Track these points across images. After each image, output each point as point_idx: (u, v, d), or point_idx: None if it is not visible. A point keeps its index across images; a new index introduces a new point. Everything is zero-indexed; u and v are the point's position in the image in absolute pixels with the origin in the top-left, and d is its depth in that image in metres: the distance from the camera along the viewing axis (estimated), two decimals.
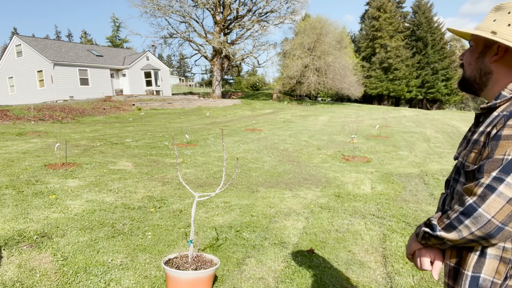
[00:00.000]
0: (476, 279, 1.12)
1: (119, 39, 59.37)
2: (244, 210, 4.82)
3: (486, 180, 1.04)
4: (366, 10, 54.76)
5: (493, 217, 1.02)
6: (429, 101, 52.95)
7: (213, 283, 2.95)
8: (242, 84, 66.86)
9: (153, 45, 37.02)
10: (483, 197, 1.03)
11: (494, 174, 1.03)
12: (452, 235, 1.10)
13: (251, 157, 8.75)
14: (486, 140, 1.11)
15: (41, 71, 26.96)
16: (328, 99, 53.61)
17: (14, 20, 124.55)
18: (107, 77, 30.69)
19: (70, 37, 76.05)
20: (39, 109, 18.27)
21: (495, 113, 1.14)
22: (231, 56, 34.87)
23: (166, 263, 2.81)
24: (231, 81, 71.37)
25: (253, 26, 35.61)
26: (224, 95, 40.79)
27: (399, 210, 4.97)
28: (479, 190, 1.04)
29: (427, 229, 1.18)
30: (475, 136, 1.19)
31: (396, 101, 54.14)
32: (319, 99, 52.78)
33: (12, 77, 28.96)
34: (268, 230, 4.17)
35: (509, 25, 1.15)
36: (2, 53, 33.23)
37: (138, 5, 32.77)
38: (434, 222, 1.17)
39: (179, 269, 2.75)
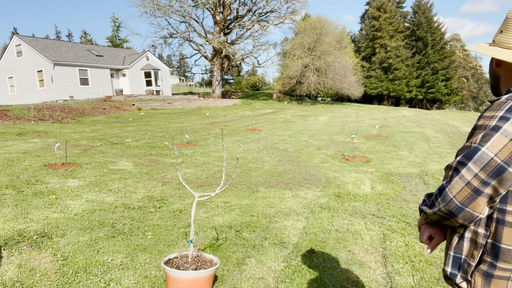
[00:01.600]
0: (457, 259, 1.21)
1: (119, 39, 59.36)
2: (244, 210, 4.82)
3: (453, 163, 1.15)
4: (366, 10, 54.76)
5: (454, 196, 1.11)
6: (429, 101, 52.96)
7: (213, 283, 2.95)
8: (242, 84, 66.86)
9: (153, 45, 37.01)
10: (450, 179, 1.14)
11: (458, 158, 1.13)
12: (429, 210, 1.23)
13: (251, 157, 8.75)
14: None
15: (41, 71, 26.95)
16: (328, 99, 53.61)
17: (14, 20, 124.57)
18: (107, 77, 30.69)
19: (70, 37, 76.07)
20: (39, 109, 18.28)
21: None
22: (231, 56, 34.87)
23: (166, 263, 2.81)
24: (231, 81, 71.38)
25: (253, 26, 35.61)
26: (224, 95, 40.79)
27: (399, 210, 4.97)
28: (449, 173, 1.16)
29: (420, 204, 1.32)
30: None
31: (396, 101, 54.15)
32: (319, 99, 52.79)
33: (12, 77, 28.95)
34: (268, 230, 4.17)
35: (501, 32, 1.25)
36: (2, 53, 33.24)
37: (138, 5, 32.78)
38: (425, 198, 1.32)
39: (179, 269, 2.75)
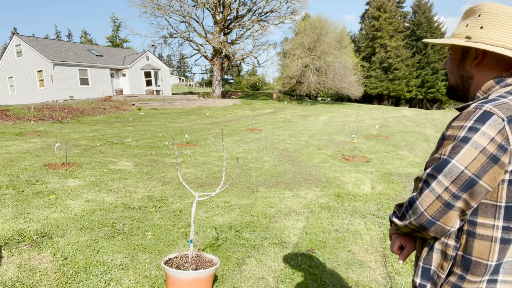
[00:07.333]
0: (427, 270, 1.17)
1: (119, 39, 59.35)
2: (244, 210, 4.82)
3: (423, 175, 1.10)
4: (366, 10, 54.78)
5: (425, 210, 1.07)
6: (429, 101, 52.98)
7: (213, 283, 2.95)
8: (242, 84, 66.87)
9: (153, 45, 37.01)
10: (420, 191, 1.10)
11: (428, 170, 1.09)
12: (400, 222, 1.19)
13: (251, 157, 8.75)
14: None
15: (41, 71, 26.95)
16: (328, 99, 53.62)
17: (14, 20, 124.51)
18: (107, 77, 30.68)
19: (70, 37, 75.97)
20: (39, 109, 18.27)
21: None
22: (231, 56, 34.87)
23: (166, 263, 2.81)
24: (231, 81, 71.38)
25: (253, 26, 35.61)
26: (224, 95, 40.79)
27: None
28: (419, 185, 1.11)
29: (390, 214, 1.28)
30: None
31: (396, 101, 54.17)
32: (319, 99, 52.81)
33: (12, 77, 28.95)
34: (268, 230, 4.16)
35: (481, 27, 1.16)
36: (2, 53, 33.22)
37: (138, 5, 32.79)
38: (395, 209, 1.28)
39: (179, 269, 2.75)
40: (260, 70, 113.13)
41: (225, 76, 56.54)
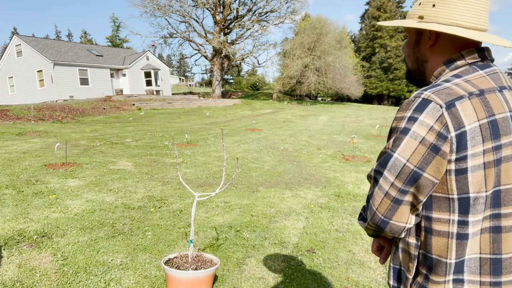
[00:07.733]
0: (397, 271, 1.11)
1: (119, 39, 59.38)
2: (244, 210, 4.82)
3: (371, 172, 1.05)
4: (366, 10, 54.82)
5: (376, 209, 1.02)
6: None
7: (213, 283, 2.95)
8: (242, 84, 66.91)
9: (153, 45, 37.02)
10: (372, 189, 1.05)
11: (375, 166, 1.04)
12: (363, 225, 1.14)
13: (251, 157, 8.75)
14: None
15: (41, 71, 26.95)
16: (328, 99, 53.64)
17: (14, 20, 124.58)
18: (107, 77, 30.68)
19: (70, 37, 76.01)
20: (39, 109, 18.27)
21: None
22: (231, 56, 34.88)
23: (166, 263, 2.81)
24: (231, 81, 71.41)
25: (253, 26, 35.62)
26: (224, 95, 40.79)
27: None
28: (371, 182, 1.06)
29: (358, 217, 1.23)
30: None
31: (396, 101, 54.18)
32: (319, 99, 52.83)
33: (12, 77, 28.95)
34: (268, 230, 4.17)
35: (433, 5, 1.05)
36: (2, 53, 33.22)
37: (138, 5, 32.81)
38: (361, 211, 1.20)
39: (179, 269, 2.75)
40: (260, 70, 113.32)
41: (225, 76, 56.57)
